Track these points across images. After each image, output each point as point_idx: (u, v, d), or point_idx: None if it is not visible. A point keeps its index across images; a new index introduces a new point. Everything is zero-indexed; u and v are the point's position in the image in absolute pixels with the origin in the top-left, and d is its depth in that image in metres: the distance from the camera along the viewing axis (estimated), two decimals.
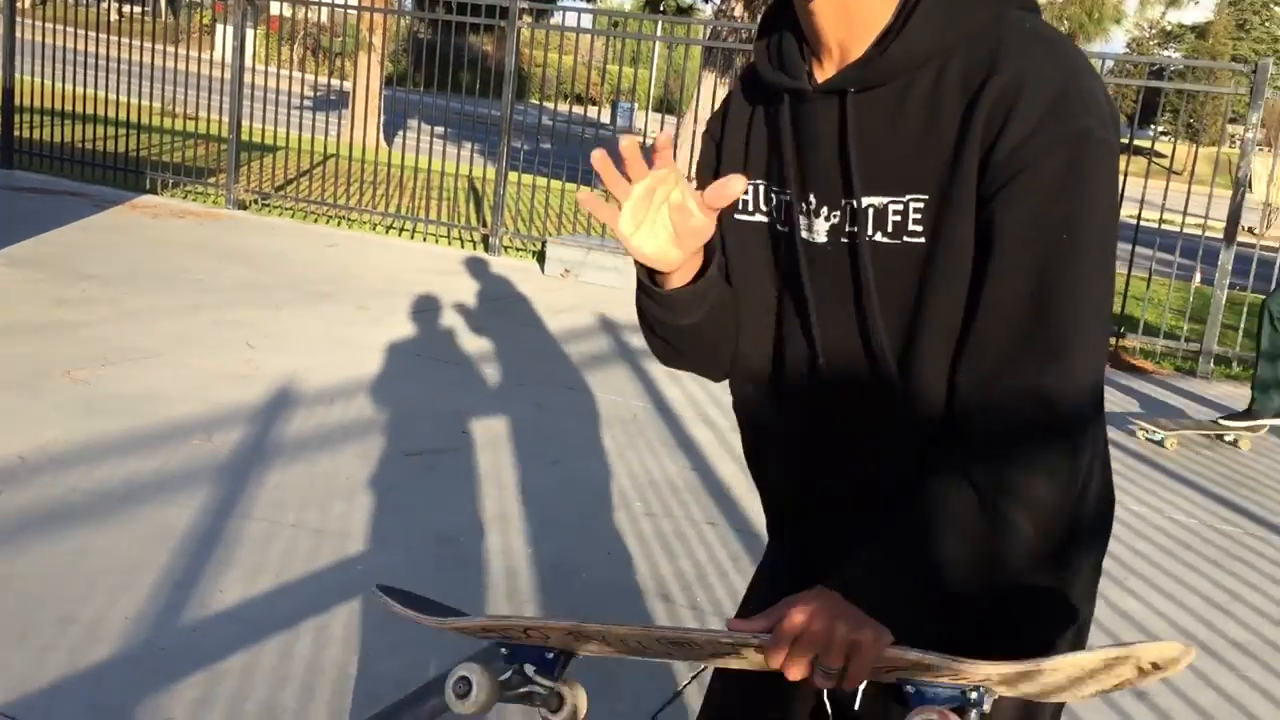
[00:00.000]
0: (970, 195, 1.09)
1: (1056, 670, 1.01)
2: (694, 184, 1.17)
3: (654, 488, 4.31)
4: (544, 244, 8.87)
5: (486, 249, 9.35)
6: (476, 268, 8.59)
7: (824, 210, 1.19)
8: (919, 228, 1.12)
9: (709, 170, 1.33)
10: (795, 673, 1.04)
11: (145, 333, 5.63)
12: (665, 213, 1.14)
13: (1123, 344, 7.78)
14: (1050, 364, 1.07)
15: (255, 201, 10.35)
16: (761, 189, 1.27)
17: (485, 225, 9.64)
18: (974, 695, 1.02)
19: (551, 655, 1.17)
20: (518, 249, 9.51)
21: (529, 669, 1.17)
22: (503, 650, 1.18)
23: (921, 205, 1.12)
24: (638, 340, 6.67)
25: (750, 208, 1.27)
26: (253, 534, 3.51)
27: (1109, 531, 1.30)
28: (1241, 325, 7.67)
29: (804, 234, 1.21)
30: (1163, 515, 4.60)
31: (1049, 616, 1.25)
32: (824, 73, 1.19)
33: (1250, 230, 8.04)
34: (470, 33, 9.64)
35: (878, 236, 1.15)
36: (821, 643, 1.03)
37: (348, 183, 10.61)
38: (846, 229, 1.17)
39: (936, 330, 1.13)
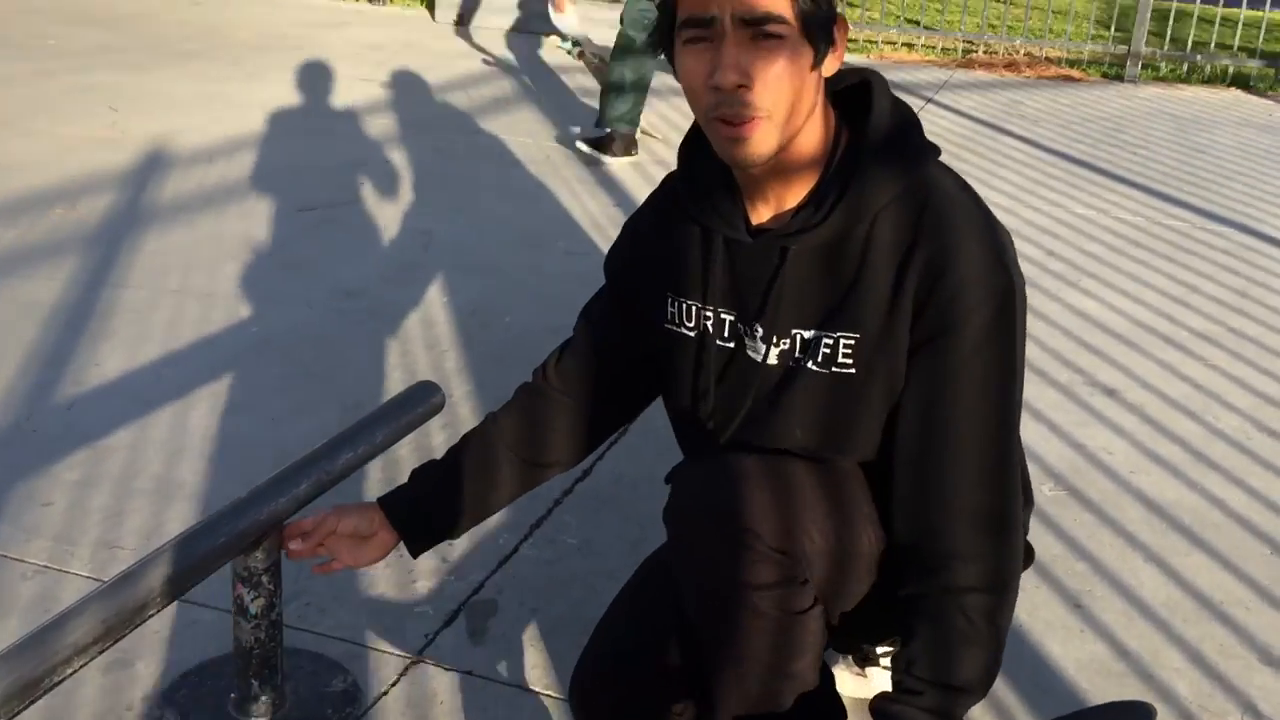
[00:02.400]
0: (903, 341, 1.28)
1: None
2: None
3: (576, 227, 3.98)
4: None
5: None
6: (361, 18, 7.88)
7: (773, 338, 1.34)
8: (849, 360, 1.30)
9: (617, 303, 1.50)
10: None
11: None
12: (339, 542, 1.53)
13: (1047, 54, 7.45)
14: (987, 493, 1.29)
15: None
16: (691, 308, 1.40)
17: None
18: None
19: None
20: None
21: None
22: None
23: (852, 342, 1.29)
24: (542, 83, 6.18)
25: (676, 320, 1.42)
26: (131, 302, 3.14)
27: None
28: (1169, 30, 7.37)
29: (750, 354, 1.37)
30: (1109, 215, 4.39)
31: None
32: (758, 215, 1.33)
33: None
34: None
35: (810, 365, 1.32)
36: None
37: None
38: (796, 355, 1.33)
39: (856, 443, 1.34)
